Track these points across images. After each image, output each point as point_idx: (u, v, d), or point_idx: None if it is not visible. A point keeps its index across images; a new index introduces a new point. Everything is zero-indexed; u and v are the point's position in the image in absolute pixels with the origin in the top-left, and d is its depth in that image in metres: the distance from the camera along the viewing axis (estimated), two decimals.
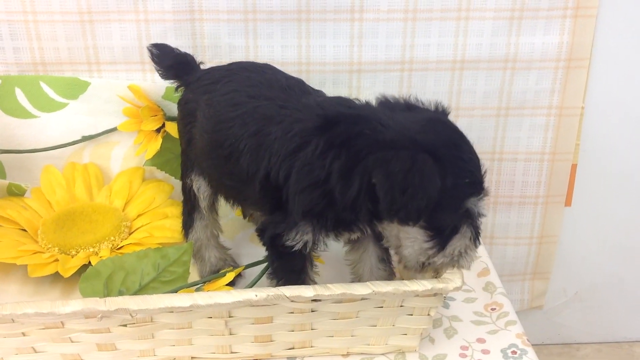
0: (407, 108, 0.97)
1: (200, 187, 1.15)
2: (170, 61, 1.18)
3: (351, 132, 0.91)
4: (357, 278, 1.08)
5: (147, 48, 1.20)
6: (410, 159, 0.85)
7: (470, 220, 0.92)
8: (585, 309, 1.71)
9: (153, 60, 1.19)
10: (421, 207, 0.86)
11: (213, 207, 1.18)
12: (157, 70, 1.19)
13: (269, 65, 1.14)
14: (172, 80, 1.19)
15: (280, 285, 0.97)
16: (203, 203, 1.16)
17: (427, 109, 0.97)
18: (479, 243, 0.95)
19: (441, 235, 0.91)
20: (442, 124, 0.93)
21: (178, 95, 1.17)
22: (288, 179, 0.94)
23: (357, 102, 0.99)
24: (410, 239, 0.93)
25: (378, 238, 1.03)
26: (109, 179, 1.34)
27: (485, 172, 0.93)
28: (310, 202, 0.93)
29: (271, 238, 0.98)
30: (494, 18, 1.33)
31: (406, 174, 0.85)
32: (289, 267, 1.00)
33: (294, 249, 0.96)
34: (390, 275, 1.08)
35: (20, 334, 0.93)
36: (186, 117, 1.13)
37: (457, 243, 0.92)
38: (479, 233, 0.94)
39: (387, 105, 0.98)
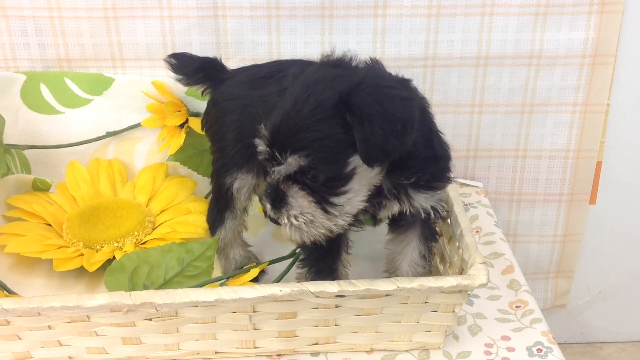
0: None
1: (244, 187, 1.12)
2: (197, 64, 1.16)
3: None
4: (393, 269, 1.07)
5: (165, 60, 1.18)
6: None
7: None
8: (608, 307, 1.70)
9: (173, 70, 1.17)
10: None
11: (245, 208, 1.17)
12: (179, 80, 1.17)
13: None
14: (198, 85, 1.16)
15: (310, 275, 0.97)
16: (240, 205, 1.14)
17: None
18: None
19: None
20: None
21: (206, 95, 1.16)
22: None
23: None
24: None
25: (424, 234, 1.03)
26: (133, 174, 1.35)
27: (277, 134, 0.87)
28: None
29: None
30: (519, 14, 1.32)
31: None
32: (322, 252, 0.98)
33: None
34: (428, 274, 1.06)
35: (46, 327, 0.93)
36: (231, 114, 1.10)
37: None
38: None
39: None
